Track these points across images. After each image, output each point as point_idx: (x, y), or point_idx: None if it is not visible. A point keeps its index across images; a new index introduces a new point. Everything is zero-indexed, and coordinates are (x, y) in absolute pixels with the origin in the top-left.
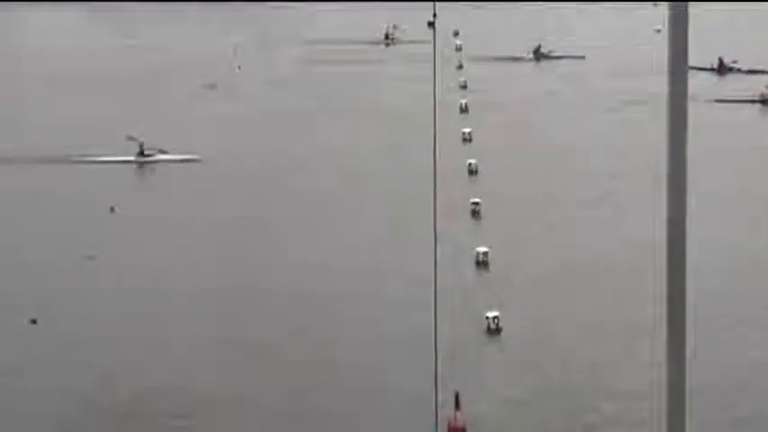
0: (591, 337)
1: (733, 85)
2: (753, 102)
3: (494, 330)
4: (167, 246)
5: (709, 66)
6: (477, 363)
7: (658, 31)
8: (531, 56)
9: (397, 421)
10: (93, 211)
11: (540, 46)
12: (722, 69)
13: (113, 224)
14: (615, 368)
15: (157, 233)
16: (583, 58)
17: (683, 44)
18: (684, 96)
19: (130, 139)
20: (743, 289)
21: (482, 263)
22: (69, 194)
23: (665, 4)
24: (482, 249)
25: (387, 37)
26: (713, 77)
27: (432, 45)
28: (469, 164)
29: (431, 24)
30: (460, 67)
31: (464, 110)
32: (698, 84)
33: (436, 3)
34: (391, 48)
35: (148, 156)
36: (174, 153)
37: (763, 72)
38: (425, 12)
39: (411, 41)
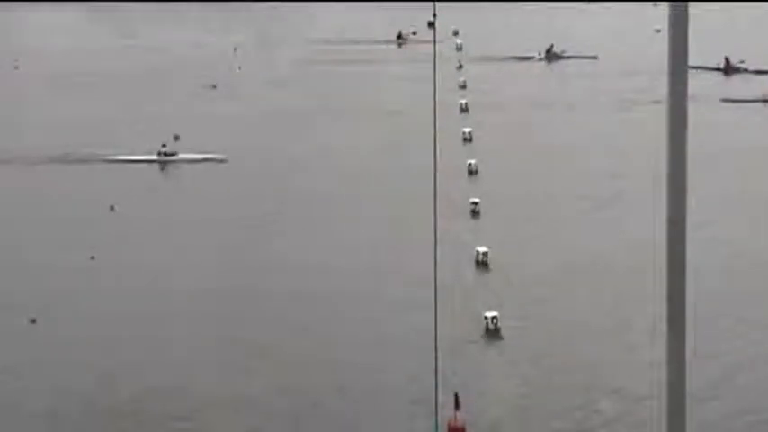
0: (591, 337)
1: (740, 86)
2: (765, 101)
3: (493, 331)
4: (174, 245)
5: (715, 66)
6: (475, 363)
7: (658, 31)
8: (542, 56)
9: (397, 421)
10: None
11: (552, 46)
12: (729, 69)
13: (119, 223)
14: (615, 368)
15: (169, 232)
16: (595, 58)
17: (683, 44)
18: (684, 96)
19: (176, 139)
20: (750, 289)
21: (482, 263)
22: (98, 193)
23: (665, 4)
24: (482, 249)
25: (399, 37)
26: (720, 78)
27: (444, 45)
28: (469, 164)
29: (431, 24)
30: (460, 66)
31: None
32: (705, 84)
33: (436, 3)
34: (403, 48)
35: (171, 155)
36: (196, 152)
37: None
38: (431, 12)
39: (424, 41)
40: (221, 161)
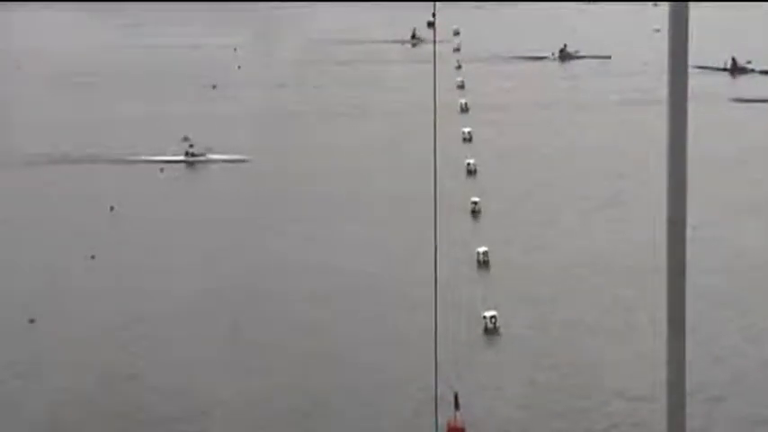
0: (590, 337)
1: (749, 85)
2: None
3: (492, 330)
4: (190, 245)
5: (722, 66)
6: (475, 363)
7: (657, 30)
8: (556, 56)
9: (397, 421)
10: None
11: (565, 46)
12: (735, 70)
13: (122, 224)
14: (615, 369)
15: (190, 232)
16: (609, 57)
17: (683, 44)
18: (684, 96)
19: (185, 140)
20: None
21: (482, 263)
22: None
23: (665, 3)
24: (482, 249)
25: (413, 37)
26: (727, 78)
27: (454, 45)
28: (470, 163)
29: (430, 24)
30: (459, 67)
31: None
32: (715, 83)
33: (436, 3)
34: (417, 48)
35: (197, 155)
36: (222, 153)
37: None
38: (448, 10)
39: (439, 41)
40: (243, 161)
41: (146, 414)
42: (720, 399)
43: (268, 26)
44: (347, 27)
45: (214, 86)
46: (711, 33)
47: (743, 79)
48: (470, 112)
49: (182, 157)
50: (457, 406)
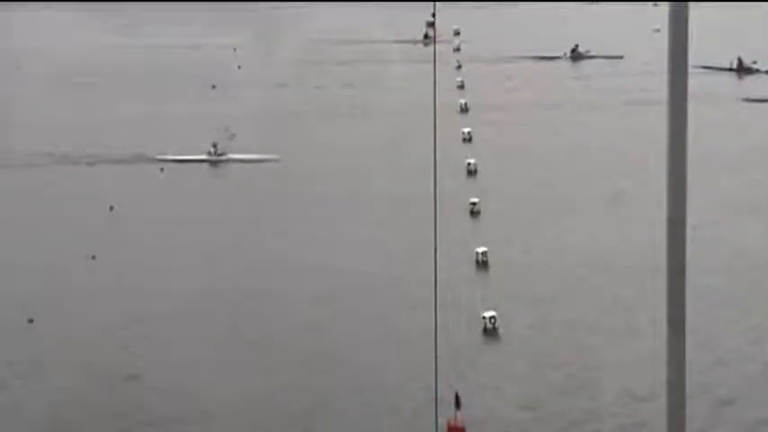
0: (590, 337)
1: (757, 85)
2: None
3: (491, 330)
4: (179, 245)
5: (728, 66)
6: (475, 363)
7: (658, 31)
8: (568, 56)
9: (398, 421)
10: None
11: (577, 46)
12: (741, 70)
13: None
14: (617, 368)
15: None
16: (621, 57)
17: (683, 44)
18: (684, 96)
19: (228, 134)
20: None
21: (481, 263)
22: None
23: (665, 3)
24: (481, 249)
25: (426, 37)
26: (734, 78)
27: (465, 45)
28: (467, 163)
29: (431, 24)
30: (459, 67)
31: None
32: (723, 83)
33: (437, 3)
34: (429, 47)
35: (222, 155)
36: (250, 153)
37: None
38: (449, 10)
39: (450, 41)
40: (273, 161)
41: (146, 414)
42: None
43: (268, 26)
44: (348, 27)
45: (213, 86)
46: (715, 33)
47: (750, 79)
48: (471, 111)
49: (206, 157)
50: (457, 406)
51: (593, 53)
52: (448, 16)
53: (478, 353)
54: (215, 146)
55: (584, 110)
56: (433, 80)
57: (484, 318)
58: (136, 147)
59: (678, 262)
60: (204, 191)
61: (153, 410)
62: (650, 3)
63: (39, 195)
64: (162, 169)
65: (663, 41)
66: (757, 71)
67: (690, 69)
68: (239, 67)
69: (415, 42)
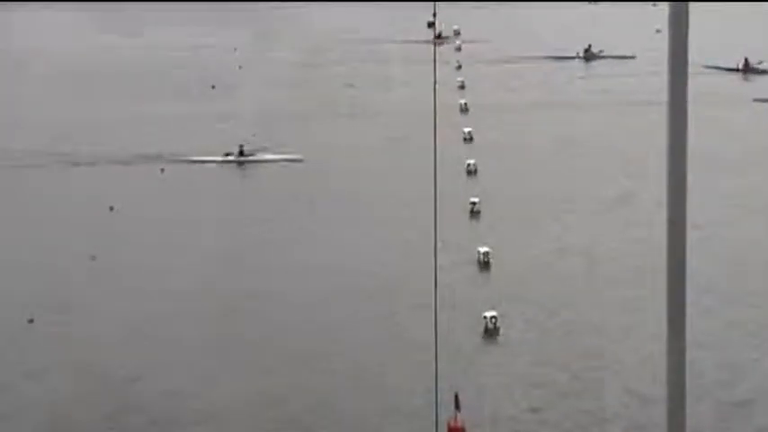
0: (590, 337)
1: (764, 86)
2: None
3: (492, 330)
4: (179, 245)
5: (734, 66)
6: (476, 363)
7: (658, 31)
8: (581, 55)
9: (398, 421)
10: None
11: (590, 46)
12: (748, 70)
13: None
14: (618, 368)
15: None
16: (633, 57)
17: (683, 44)
18: (684, 96)
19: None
20: None
21: (483, 263)
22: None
23: (665, 3)
24: (483, 249)
25: (438, 37)
26: (741, 78)
27: (476, 46)
28: (467, 164)
29: (431, 25)
30: (458, 67)
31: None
32: (731, 84)
33: (437, 3)
34: (441, 47)
35: (248, 155)
36: (275, 153)
37: None
38: (449, 10)
39: (465, 41)
40: (298, 161)
41: (146, 414)
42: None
43: (268, 26)
44: (348, 27)
45: (213, 87)
46: (721, 33)
47: (758, 80)
48: (470, 111)
49: (232, 158)
50: (457, 407)
51: (605, 53)
52: (449, 16)
53: (480, 353)
54: (241, 147)
55: (588, 110)
56: (432, 80)
57: (485, 318)
58: (136, 147)
59: (678, 262)
60: (227, 191)
61: (153, 410)
62: (650, 3)
63: (38, 195)
64: (162, 170)
65: (665, 42)
66: (763, 72)
67: (698, 69)
68: (240, 68)
69: (427, 42)
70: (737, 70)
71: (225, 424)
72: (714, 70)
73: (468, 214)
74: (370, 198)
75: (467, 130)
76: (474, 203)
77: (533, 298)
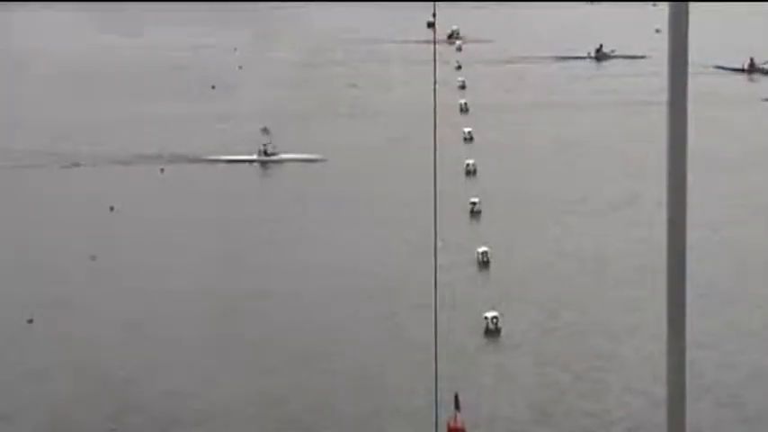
0: (589, 337)
1: None
2: None
3: (493, 330)
4: (178, 245)
5: (740, 66)
6: (474, 363)
7: (658, 31)
8: (593, 55)
9: (398, 421)
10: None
11: (601, 46)
12: (753, 70)
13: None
14: (618, 368)
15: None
16: (644, 57)
17: (683, 44)
18: (684, 96)
19: (264, 132)
20: None
21: (482, 263)
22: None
23: (665, 3)
24: (482, 249)
25: (451, 36)
26: (747, 78)
27: (487, 46)
28: (466, 164)
29: (431, 25)
30: (458, 68)
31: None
32: (738, 84)
33: (437, 3)
34: (440, 47)
35: (272, 155)
36: (296, 152)
37: None
38: (449, 10)
39: (475, 41)
40: (320, 161)
41: (146, 414)
42: None
43: (268, 26)
44: (348, 27)
45: (213, 87)
46: (720, 34)
47: (763, 80)
48: (471, 111)
49: (255, 157)
50: (457, 407)
51: (617, 53)
52: (449, 16)
53: (480, 353)
54: (265, 146)
55: (596, 110)
56: (432, 80)
57: (486, 318)
58: (136, 147)
59: (678, 262)
60: (226, 191)
61: (153, 410)
62: (650, 3)
63: (38, 195)
64: (162, 170)
65: (666, 42)
66: None
67: (703, 70)
68: (240, 68)
69: (440, 42)
70: (743, 71)
71: (225, 424)
72: (721, 70)
73: (468, 214)
74: (370, 198)
75: (467, 130)
76: (474, 203)
77: (533, 298)
